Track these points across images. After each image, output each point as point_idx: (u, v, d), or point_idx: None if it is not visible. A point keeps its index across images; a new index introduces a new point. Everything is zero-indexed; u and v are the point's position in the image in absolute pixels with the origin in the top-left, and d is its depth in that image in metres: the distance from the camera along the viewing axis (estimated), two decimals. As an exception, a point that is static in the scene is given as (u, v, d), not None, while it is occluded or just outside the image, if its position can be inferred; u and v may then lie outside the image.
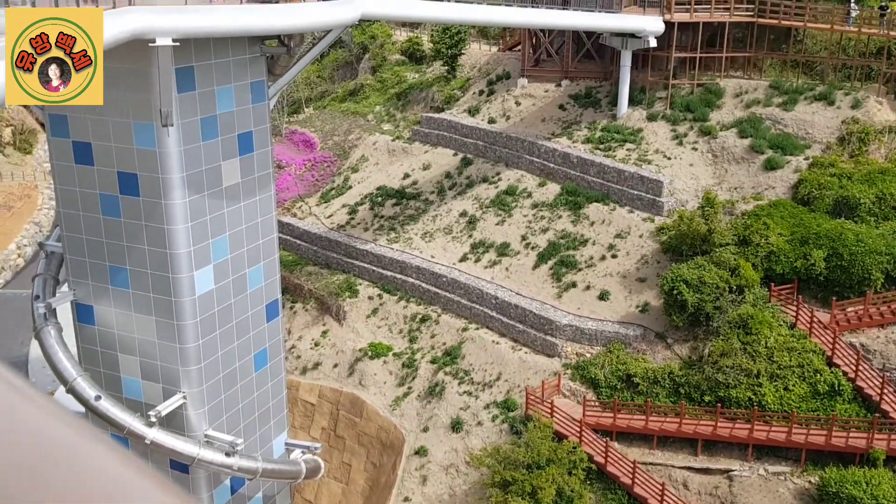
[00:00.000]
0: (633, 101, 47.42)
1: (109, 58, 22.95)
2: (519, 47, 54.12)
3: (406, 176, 51.23)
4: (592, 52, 50.91)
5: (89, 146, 27.47)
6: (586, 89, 50.20)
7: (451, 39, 55.67)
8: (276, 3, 27.91)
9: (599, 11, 43.76)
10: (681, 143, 44.33)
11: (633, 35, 44.80)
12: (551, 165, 46.16)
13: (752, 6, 46.39)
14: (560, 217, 43.63)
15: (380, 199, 50.42)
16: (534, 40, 52.55)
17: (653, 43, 44.84)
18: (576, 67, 51.26)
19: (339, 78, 68.01)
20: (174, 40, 23.59)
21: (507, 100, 51.78)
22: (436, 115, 53.76)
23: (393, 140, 54.71)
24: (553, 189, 45.33)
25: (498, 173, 47.99)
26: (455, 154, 51.04)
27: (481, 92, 53.89)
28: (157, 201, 26.82)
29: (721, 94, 45.94)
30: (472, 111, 52.59)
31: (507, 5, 41.72)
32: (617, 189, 43.21)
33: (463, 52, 56.99)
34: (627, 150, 44.93)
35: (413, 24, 63.63)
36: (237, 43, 28.55)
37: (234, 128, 29.25)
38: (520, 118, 50.28)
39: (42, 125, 52.80)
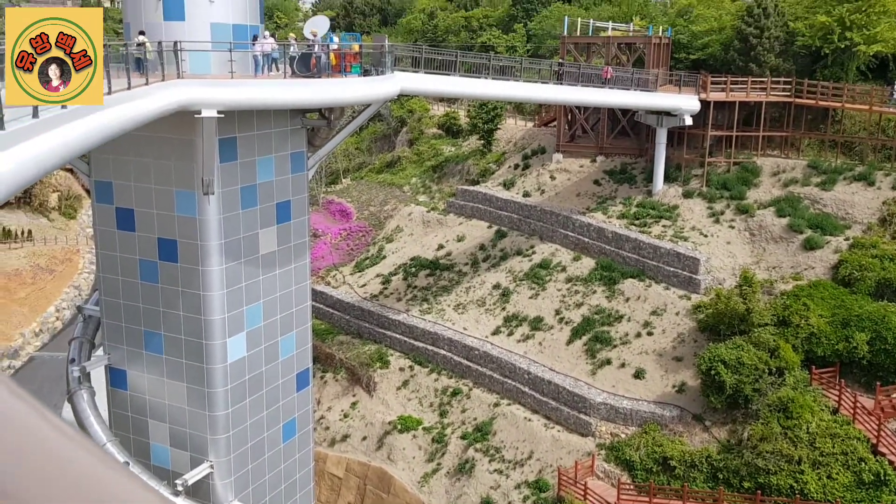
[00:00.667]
0: (668, 178, 47.42)
1: (156, 127, 23.72)
2: (554, 123, 54.77)
3: (440, 247, 51.43)
4: (628, 128, 51.30)
5: (132, 212, 28.04)
6: (621, 165, 50.40)
7: (487, 114, 56.62)
8: (318, 77, 28.60)
9: (635, 90, 44.21)
10: (717, 221, 43.99)
11: (668, 113, 45.13)
12: (586, 240, 46.01)
13: (789, 87, 46.57)
14: (595, 292, 43.21)
15: (413, 269, 50.54)
16: (569, 116, 53.18)
17: (688, 121, 45.08)
18: (611, 143, 51.62)
19: (377, 150, 69.33)
20: (219, 112, 24.24)
21: (542, 174, 52.13)
22: (471, 188, 54.25)
23: (428, 211, 55.18)
24: (588, 264, 45.06)
25: (532, 246, 47.93)
26: (489, 226, 51.21)
27: (516, 166, 54.38)
28: (195, 268, 27.11)
29: (758, 173, 45.74)
30: (508, 184, 52.98)
31: (542, 82, 42.37)
32: (653, 265, 42.80)
33: (499, 126, 57.84)
34: (663, 226, 44.69)
35: (450, 99, 64.95)
36: (279, 115, 29.25)
37: (272, 197, 29.68)
38: (555, 192, 50.48)
39: (87, 191, 54.37)
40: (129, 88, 19.14)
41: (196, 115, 23.94)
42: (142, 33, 25.25)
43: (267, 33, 31.07)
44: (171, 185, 27.28)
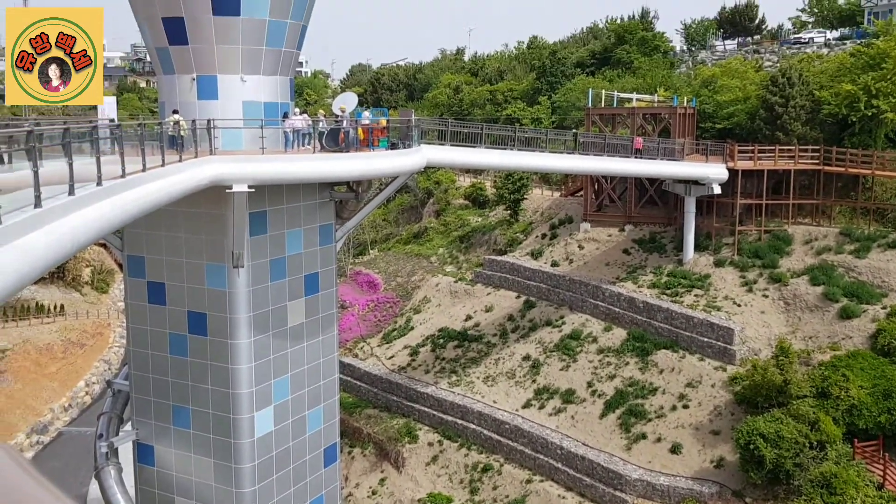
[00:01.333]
0: (699, 247, 47.00)
1: (188, 202, 24.03)
2: (581, 192, 54.89)
3: (468, 318, 51.05)
4: (655, 197, 51.22)
5: (163, 286, 28.24)
6: (650, 234, 50.12)
7: (513, 185, 57.00)
8: (347, 151, 29.00)
9: (662, 159, 44.28)
10: (750, 290, 43.27)
11: (696, 182, 45.03)
12: (617, 310, 45.43)
13: (817, 154, 46.37)
14: (627, 364, 42.38)
15: (441, 340, 50.10)
16: (596, 186, 53.30)
17: (717, 190, 44.89)
18: (639, 213, 51.49)
19: (404, 221, 69.88)
20: (249, 187, 24.59)
21: (570, 243, 51.97)
22: (498, 258, 54.17)
23: (456, 282, 55.06)
24: (619, 334, 44.35)
25: (562, 317, 47.39)
26: (518, 296, 50.86)
27: (544, 235, 54.33)
28: (224, 341, 27.07)
29: (790, 241, 45.16)
30: (535, 254, 52.83)
31: (568, 153, 42.63)
32: (686, 336, 42.00)
33: (525, 196, 58.12)
34: (695, 295, 44.05)
35: (476, 170, 65.60)
36: (309, 188, 29.60)
37: (301, 269, 29.80)
38: (583, 262, 50.19)
39: (120, 266, 55.06)
40: (163, 165, 19.48)
41: (227, 190, 24.31)
42: (176, 112, 25.91)
43: (297, 110, 31.78)
44: (202, 259, 27.51)
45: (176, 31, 28.06)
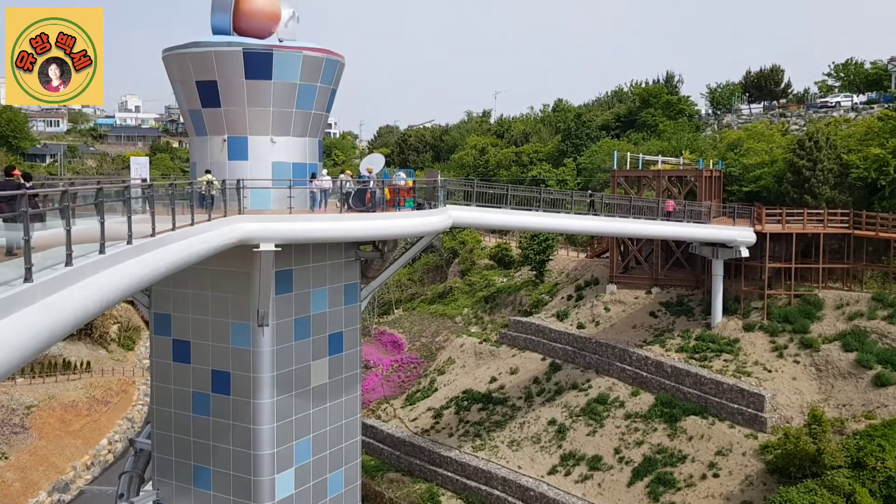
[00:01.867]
0: (727, 311, 46.33)
1: (215, 261, 24.24)
2: (607, 254, 54.67)
3: (493, 380, 50.43)
4: (682, 260, 50.83)
5: (188, 344, 28.31)
6: (678, 297, 49.56)
7: (538, 245, 56.95)
8: (373, 211, 29.21)
9: (688, 221, 44.08)
10: (781, 356, 42.39)
11: (724, 245, 44.67)
12: (644, 374, 44.65)
13: (847, 218, 45.90)
14: (655, 430, 41.40)
15: (466, 403, 49.44)
16: (622, 248, 53.07)
17: (745, 253, 44.45)
18: (666, 275, 51.05)
19: (429, 281, 69.88)
20: (276, 246, 24.79)
21: (595, 305, 51.51)
22: (524, 319, 53.76)
23: (480, 343, 54.61)
24: (647, 399, 43.48)
25: (588, 380, 46.66)
26: (543, 359, 50.25)
27: (569, 297, 53.94)
28: (247, 400, 26.93)
29: (821, 306, 44.37)
30: (561, 316, 52.38)
31: (593, 214, 42.61)
32: (715, 402, 41.06)
33: (551, 257, 57.96)
34: (724, 360, 43.22)
35: (501, 231, 65.72)
36: (335, 248, 29.78)
37: (325, 328, 29.76)
38: (609, 324, 49.62)
39: (146, 323, 55.45)
40: (192, 224, 19.72)
41: (255, 249, 24.51)
42: (208, 171, 26.37)
43: (325, 171, 32.22)
44: (228, 317, 27.60)
45: (209, 93, 28.81)
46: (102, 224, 13.04)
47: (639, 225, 41.60)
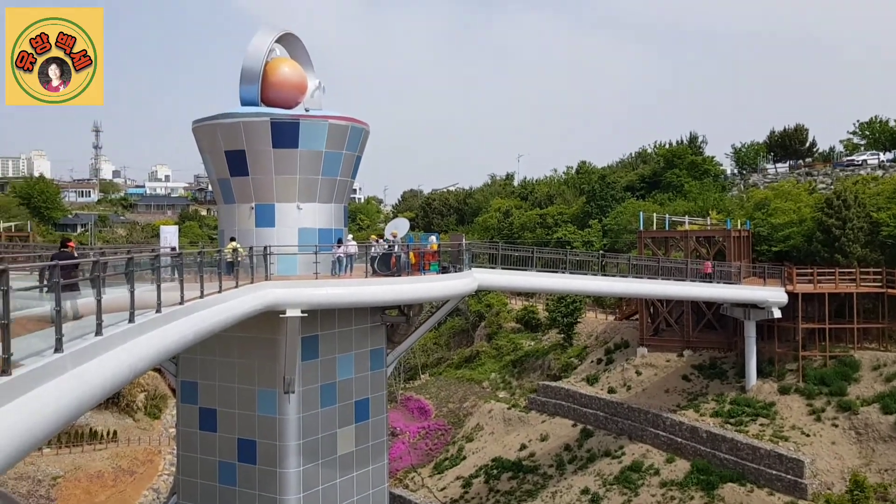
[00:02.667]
0: (761, 373, 45.23)
1: (241, 327, 24.20)
2: (636, 316, 53.93)
3: (523, 447, 49.32)
4: (714, 321, 49.96)
5: (214, 412, 28.10)
6: (710, 359, 48.55)
7: (566, 308, 56.36)
8: (398, 275, 29.14)
9: (717, 282, 43.46)
10: (819, 419, 41.09)
11: (755, 306, 43.90)
12: (679, 440, 43.43)
13: (880, 277, 45.04)
14: (692, 498, 40.00)
15: (496, 471, 48.27)
16: (651, 309, 52.36)
17: (777, 314, 43.62)
18: (697, 337, 50.13)
19: (456, 345, 69.24)
20: (302, 311, 24.73)
21: (626, 369, 50.57)
22: (553, 384, 52.84)
23: (509, 408, 53.65)
24: (682, 466, 42.16)
25: (621, 447, 45.44)
26: (574, 425, 49.15)
27: (599, 360, 53.07)
28: (273, 469, 26.51)
29: (857, 367, 43.19)
30: (591, 380, 51.43)
31: (621, 276, 42.20)
32: (753, 468, 39.70)
33: (579, 320, 57.28)
34: (761, 425, 41.98)
35: (528, 293, 65.28)
36: (360, 312, 29.68)
37: (351, 395, 29.44)
38: (641, 388, 48.59)
39: (173, 391, 55.36)
40: (220, 291, 19.74)
41: (281, 315, 24.47)
42: (233, 239, 26.59)
43: (350, 236, 32.37)
44: (254, 385, 27.44)
45: (237, 162, 29.30)
46: (132, 293, 13.07)
47: (668, 286, 41.05)
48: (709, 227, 54.86)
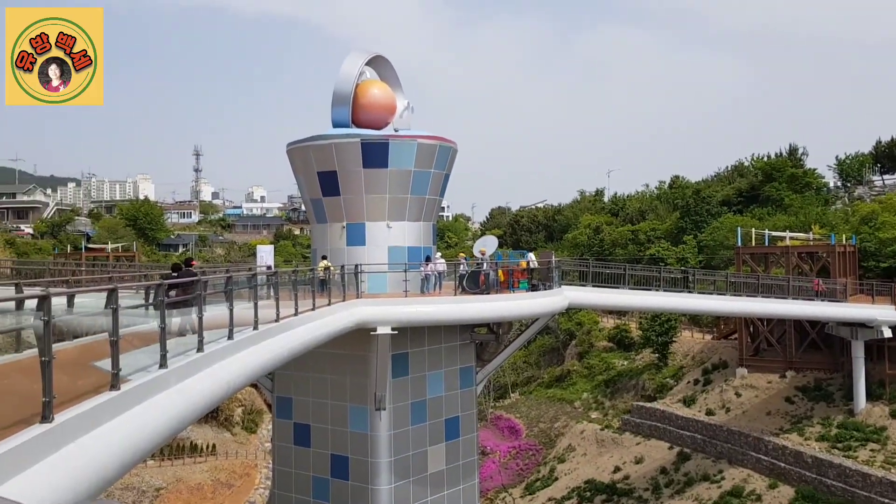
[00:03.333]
0: (871, 396, 42.68)
1: (334, 344, 24.59)
2: (735, 335, 51.95)
3: (617, 469, 48.08)
4: (818, 341, 47.53)
5: (308, 428, 28.61)
6: (815, 381, 46.19)
7: (661, 327, 54.84)
8: (487, 293, 29.03)
9: (821, 300, 41.35)
10: (938, 445, 38.39)
11: (863, 325, 41.54)
12: (782, 465, 41.40)
13: None
14: (798, 526, 38.02)
15: (589, 493, 47.22)
16: (751, 328, 50.31)
17: (887, 333, 41.08)
18: (801, 358, 47.79)
19: (546, 363, 68.40)
20: (393, 328, 24.93)
21: (725, 390, 48.68)
22: (647, 405, 51.40)
23: (602, 429, 52.49)
24: (786, 492, 40.13)
25: (720, 471, 43.66)
26: (670, 447, 47.61)
27: (696, 381, 51.32)
28: (365, 486, 26.72)
29: (981, 391, 40.18)
30: (688, 401, 49.76)
31: (719, 294, 40.74)
32: (864, 496, 37.39)
33: (674, 339, 55.63)
34: (871, 450, 39.54)
35: (620, 311, 63.90)
36: (449, 330, 29.71)
37: (441, 412, 29.42)
38: (741, 410, 46.64)
39: (268, 406, 56.75)
40: (313, 308, 20.13)
41: (372, 332, 24.73)
42: (324, 257, 27.13)
43: (438, 254, 32.52)
44: (346, 401, 27.81)
45: (329, 183, 29.95)
46: (231, 311, 13.45)
47: (769, 305, 39.34)
48: (811, 243, 52.45)
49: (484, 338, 31.35)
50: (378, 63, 32.68)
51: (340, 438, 27.76)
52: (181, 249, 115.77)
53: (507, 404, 62.88)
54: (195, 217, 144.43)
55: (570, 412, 56.84)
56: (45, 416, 6.62)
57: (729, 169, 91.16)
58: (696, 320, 58.60)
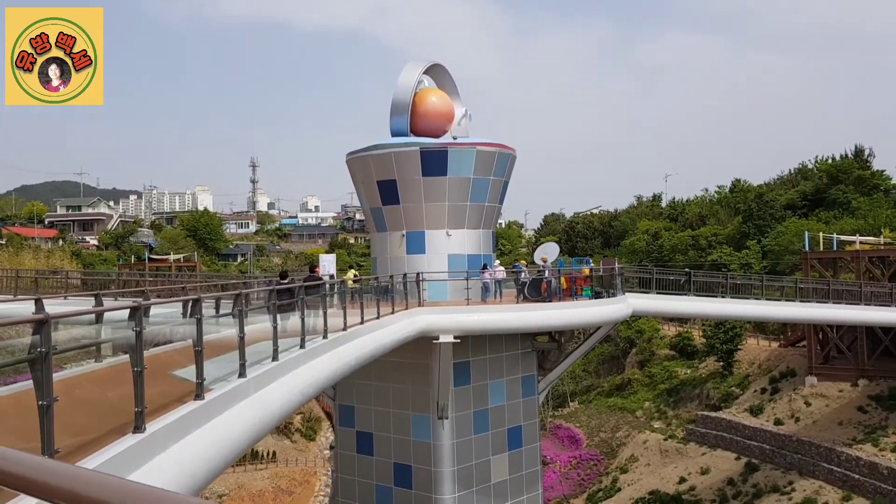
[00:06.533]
0: (952, 405, 40.81)
1: (395, 353, 24.55)
2: (803, 343, 50.33)
3: (682, 480, 46.95)
4: (892, 349, 45.72)
5: (371, 436, 28.62)
6: (890, 389, 44.40)
7: (725, 334, 53.45)
8: (549, 301, 28.64)
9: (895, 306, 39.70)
10: None
11: (943, 330, 39.78)
12: (855, 476, 39.86)
13: None
14: (876, 542, 36.51)
15: (652, 504, 46.24)
16: (820, 335, 48.67)
17: (969, 339, 39.28)
18: (874, 365, 46.02)
19: (605, 372, 67.38)
20: (455, 337, 24.78)
21: (794, 399, 47.15)
22: (712, 414, 50.10)
23: (665, 439, 51.36)
24: (861, 505, 38.63)
25: (790, 483, 42.26)
26: (737, 458, 46.30)
27: (763, 390, 49.85)
28: (428, 495, 26.58)
29: None
30: (755, 411, 48.35)
31: (787, 301, 39.53)
32: (947, 510, 35.74)
33: (739, 347, 54.18)
34: (954, 462, 37.78)
35: (682, 319, 62.57)
36: (511, 339, 29.41)
37: (504, 422, 29.14)
38: (811, 420, 45.10)
39: (326, 414, 57.20)
40: (377, 317, 20.10)
41: (434, 341, 24.62)
42: (351, 268, 27.13)
43: (497, 262, 32.28)
44: (408, 410, 27.74)
45: (389, 192, 30.03)
46: (303, 319, 13.47)
47: (842, 311, 37.97)
48: (882, 247, 50.56)
49: (545, 346, 30.97)
50: (436, 71, 32.71)
51: (403, 447, 27.69)
52: (239, 259, 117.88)
53: (566, 413, 62.11)
54: (252, 227, 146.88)
55: (632, 422, 55.79)
56: (138, 427, 6.62)
57: (792, 172, 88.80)
58: (761, 327, 57.01)
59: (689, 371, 58.11)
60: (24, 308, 11.36)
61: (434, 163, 29.44)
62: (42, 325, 5.00)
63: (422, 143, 29.52)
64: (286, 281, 14.61)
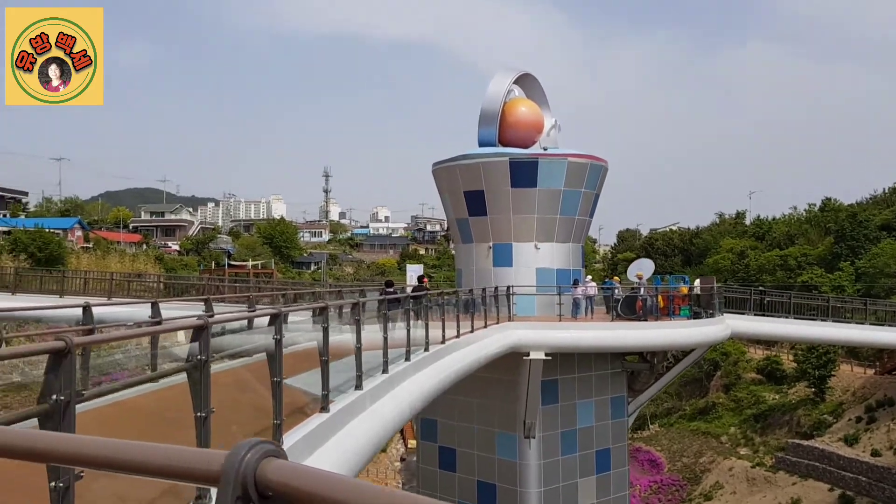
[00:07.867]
0: None
1: (481, 368, 23.81)
2: (903, 371, 47.41)
3: (770, 511, 44.67)
4: None
5: (454, 452, 27.95)
6: None
7: (818, 359, 50.76)
8: (644, 320, 27.48)
9: None
10: None
11: None
12: (968, 517, 37.06)
13: None
14: None
15: (739, 535, 44.07)
16: (924, 364, 45.76)
17: None
18: None
19: (688, 395, 65.00)
20: (546, 354, 23.95)
21: (892, 430, 44.30)
22: (803, 443, 47.52)
23: (752, 467, 48.97)
24: (975, 549, 35.83)
25: (892, 520, 39.66)
26: (831, 489, 43.74)
27: (858, 419, 47.05)
28: (514, 517, 25.73)
29: None
30: (850, 440, 45.65)
31: (889, 325, 37.26)
32: None
33: (833, 373, 51.39)
34: None
35: (770, 341, 59.90)
36: (601, 358, 28.42)
37: (592, 444, 28.12)
38: (914, 454, 42.29)
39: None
40: (472, 331, 19.48)
41: (525, 357, 23.85)
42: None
43: (588, 277, 31.30)
44: (493, 427, 27.00)
45: (476, 203, 29.45)
46: (408, 331, 12.91)
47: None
48: None
49: (636, 366, 29.82)
50: (525, 81, 32.10)
51: (487, 465, 26.94)
52: (313, 268, 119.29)
53: (646, 436, 60.07)
54: (325, 236, 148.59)
55: (717, 447, 53.46)
56: (275, 439, 6.08)
57: (886, 191, 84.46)
58: (854, 353, 53.97)
59: (777, 396, 55.41)
60: (140, 311, 11.13)
61: (524, 174, 28.76)
62: (201, 330, 4.47)
63: (511, 154, 28.89)
64: (391, 290, 14.10)
